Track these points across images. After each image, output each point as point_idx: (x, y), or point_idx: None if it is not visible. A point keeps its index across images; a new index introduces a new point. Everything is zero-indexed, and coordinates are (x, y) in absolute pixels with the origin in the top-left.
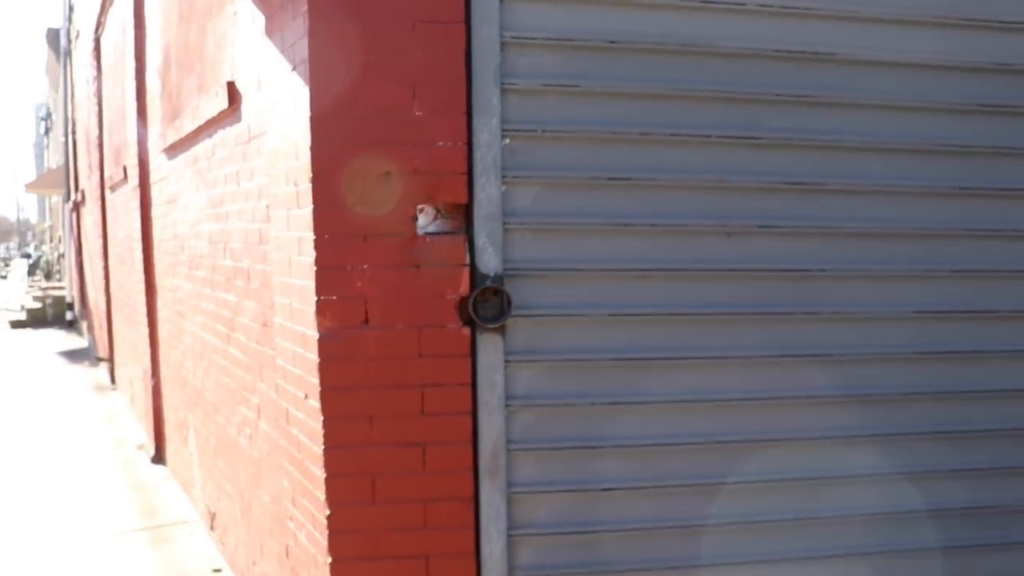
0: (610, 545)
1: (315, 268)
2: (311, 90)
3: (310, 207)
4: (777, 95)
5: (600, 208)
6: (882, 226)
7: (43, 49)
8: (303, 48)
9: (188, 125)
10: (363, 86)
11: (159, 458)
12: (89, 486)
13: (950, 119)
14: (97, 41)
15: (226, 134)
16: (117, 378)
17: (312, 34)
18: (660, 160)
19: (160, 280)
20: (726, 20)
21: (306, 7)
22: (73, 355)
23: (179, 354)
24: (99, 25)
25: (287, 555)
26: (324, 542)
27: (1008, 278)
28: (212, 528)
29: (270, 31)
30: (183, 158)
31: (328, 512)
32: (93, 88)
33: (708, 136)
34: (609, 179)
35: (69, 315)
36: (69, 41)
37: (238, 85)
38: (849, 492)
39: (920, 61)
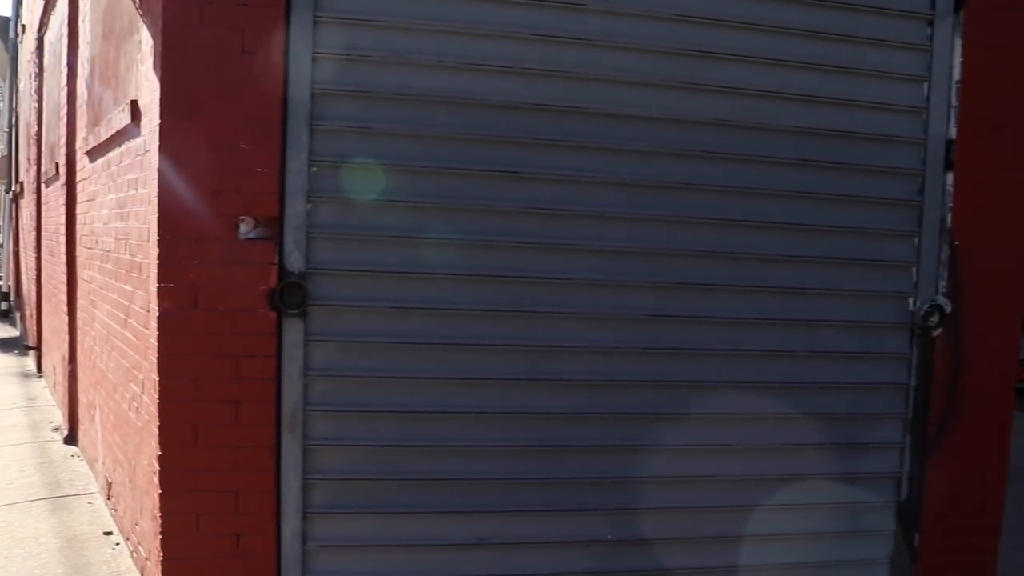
0: (386, 492)
1: (157, 261)
2: (161, 120)
3: (156, 213)
4: (535, 139)
5: (386, 223)
6: (617, 245)
7: None
8: (158, 88)
9: (104, 133)
10: (201, 121)
11: (72, 438)
12: None
13: (678, 162)
14: (40, 40)
15: (130, 145)
16: (43, 366)
17: (164, 80)
18: (436, 188)
19: (80, 272)
20: (496, 78)
21: (160, 59)
22: (3, 343)
23: (91, 340)
24: (42, 24)
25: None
26: (157, 479)
27: (724, 291)
28: (108, 497)
29: (155, 65)
30: (101, 161)
31: (159, 453)
32: (34, 84)
33: (476, 170)
34: (394, 201)
35: (4, 304)
36: (16, 34)
37: (140, 104)
38: (587, 458)
39: (652, 115)
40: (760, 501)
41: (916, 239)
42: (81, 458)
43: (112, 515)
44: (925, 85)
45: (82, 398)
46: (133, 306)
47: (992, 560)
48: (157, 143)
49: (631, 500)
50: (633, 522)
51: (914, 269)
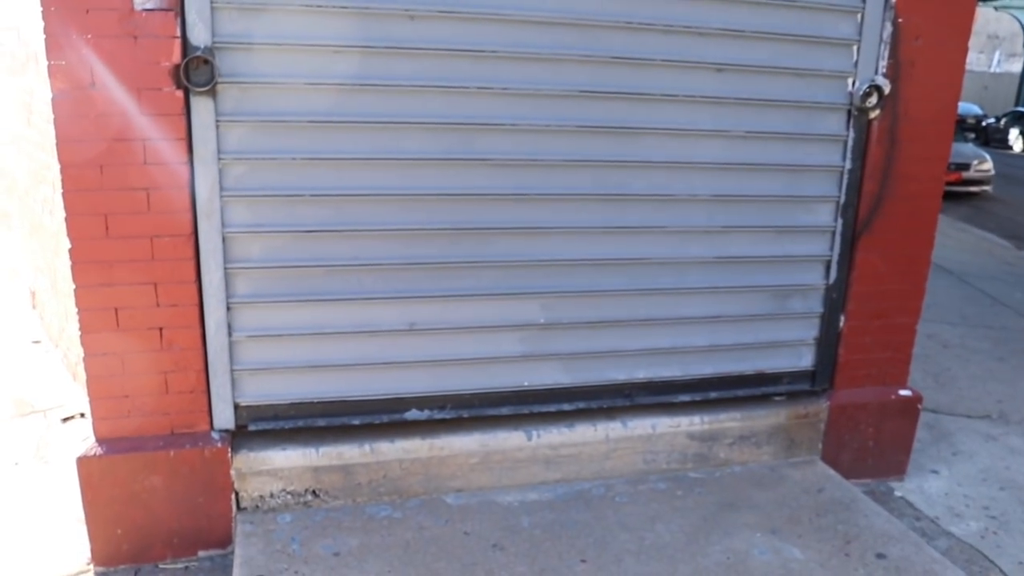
0: (312, 279)
1: (45, 36)
2: None
3: None
4: None
5: None
6: (547, 15)
7: None
8: None
9: None
10: None
11: None
12: None
13: None
14: None
15: None
16: None
17: None
18: None
19: None
20: None
21: None
22: None
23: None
24: None
25: None
26: (71, 273)
27: (658, 66)
28: (33, 307)
29: None
30: None
31: (70, 245)
32: None
33: None
34: None
35: None
36: None
37: None
38: (518, 241)
39: None
40: (691, 284)
41: (859, 15)
42: (1, 268)
43: (40, 323)
44: None
45: None
46: (34, 101)
47: (910, 341)
48: None
49: (563, 283)
50: (565, 306)
51: (855, 47)
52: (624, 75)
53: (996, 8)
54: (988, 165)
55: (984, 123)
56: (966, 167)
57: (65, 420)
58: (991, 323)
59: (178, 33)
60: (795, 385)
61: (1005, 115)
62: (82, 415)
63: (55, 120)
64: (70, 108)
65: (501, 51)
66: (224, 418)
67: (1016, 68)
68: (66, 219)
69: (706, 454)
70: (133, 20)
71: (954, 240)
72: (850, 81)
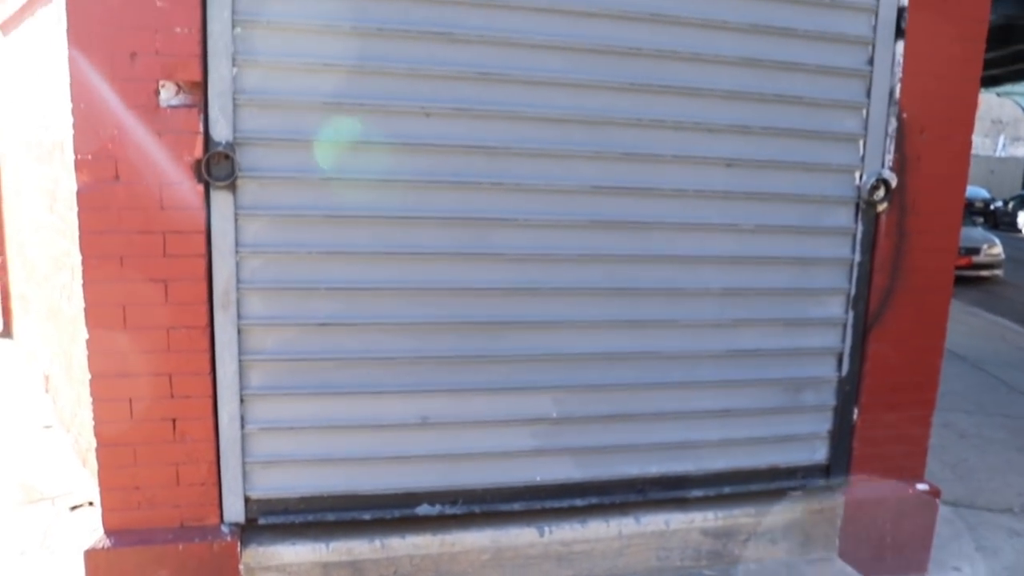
0: (325, 372)
1: (73, 131)
2: None
3: (68, 78)
4: None
5: (316, 89)
6: (559, 113)
7: None
8: None
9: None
10: None
11: (7, 332)
12: None
13: (621, 25)
14: None
15: (44, 12)
16: None
17: None
18: (367, 50)
19: (3, 159)
20: None
21: None
22: None
23: (20, 231)
24: None
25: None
26: (87, 363)
27: (668, 161)
28: (47, 391)
29: None
30: (14, 35)
31: (87, 336)
32: None
33: (408, 31)
34: (324, 65)
35: None
36: None
37: None
38: (529, 335)
39: None
40: (703, 378)
41: (864, 111)
42: (17, 351)
43: (52, 408)
44: None
45: (15, 291)
46: (59, 189)
47: (926, 433)
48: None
49: (575, 377)
50: (577, 400)
51: (861, 142)
52: (635, 171)
53: (999, 94)
54: (998, 249)
55: (992, 206)
56: (976, 251)
57: (73, 508)
58: (1008, 411)
59: (200, 129)
60: (809, 480)
61: (1013, 198)
62: (91, 503)
63: (79, 212)
64: (94, 201)
65: (514, 148)
66: (234, 511)
67: (1021, 152)
68: (85, 309)
69: (720, 551)
70: (158, 116)
71: (966, 325)
72: (857, 175)
